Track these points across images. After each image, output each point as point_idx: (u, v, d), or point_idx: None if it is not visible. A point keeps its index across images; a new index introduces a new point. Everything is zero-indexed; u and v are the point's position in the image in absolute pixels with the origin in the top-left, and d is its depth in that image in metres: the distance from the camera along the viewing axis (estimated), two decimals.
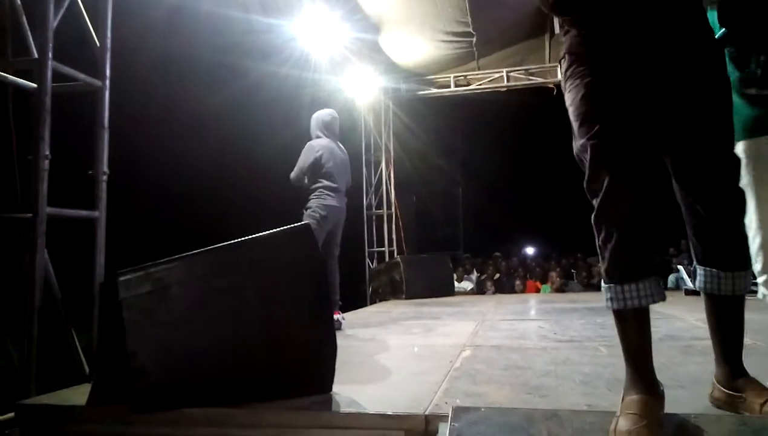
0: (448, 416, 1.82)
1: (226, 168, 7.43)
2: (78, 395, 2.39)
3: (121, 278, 2.11)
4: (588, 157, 1.63)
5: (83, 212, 2.85)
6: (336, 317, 4.09)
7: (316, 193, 4.26)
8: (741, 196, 1.70)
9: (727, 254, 1.70)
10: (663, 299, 1.65)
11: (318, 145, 4.35)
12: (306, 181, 4.32)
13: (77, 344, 2.80)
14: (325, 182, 4.28)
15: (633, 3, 1.63)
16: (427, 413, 1.93)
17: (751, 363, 1.82)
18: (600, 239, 1.64)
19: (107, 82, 2.98)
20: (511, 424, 1.73)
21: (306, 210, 4.27)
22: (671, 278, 8.60)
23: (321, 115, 4.50)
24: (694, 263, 1.80)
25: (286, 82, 7.41)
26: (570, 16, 1.73)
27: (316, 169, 4.27)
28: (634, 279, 1.61)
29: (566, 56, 1.76)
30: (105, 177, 2.92)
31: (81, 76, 2.87)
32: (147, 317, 2.13)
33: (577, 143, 1.70)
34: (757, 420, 1.63)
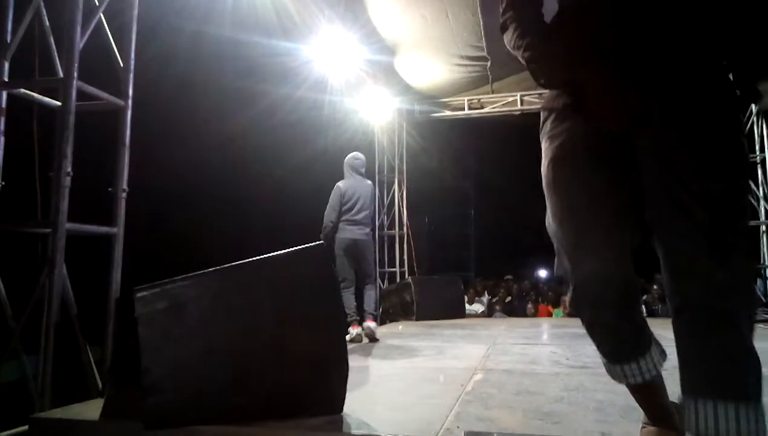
0: None
1: (244, 187, 7.53)
2: (91, 409, 2.41)
3: (138, 295, 2.14)
4: (555, 245, 1.41)
5: (102, 229, 2.90)
6: (370, 324, 4.75)
7: (338, 228, 4.82)
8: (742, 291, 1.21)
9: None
10: (665, 359, 1.49)
11: (342, 185, 4.95)
12: (334, 217, 4.84)
13: (91, 359, 2.82)
14: (345, 217, 4.82)
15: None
16: None
17: None
18: (584, 324, 1.41)
19: (130, 101, 3.05)
20: None
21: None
22: None
23: (347, 159, 5.13)
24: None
25: (302, 103, 7.52)
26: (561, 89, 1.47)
27: (340, 205, 4.85)
28: (633, 359, 1.40)
29: (542, 112, 1.55)
30: (124, 194, 2.98)
31: (104, 95, 2.95)
32: (162, 333, 2.15)
33: (547, 216, 1.44)
34: None
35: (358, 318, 4.78)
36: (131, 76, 3.06)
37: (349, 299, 4.77)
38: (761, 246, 8.06)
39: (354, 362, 2.28)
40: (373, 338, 4.76)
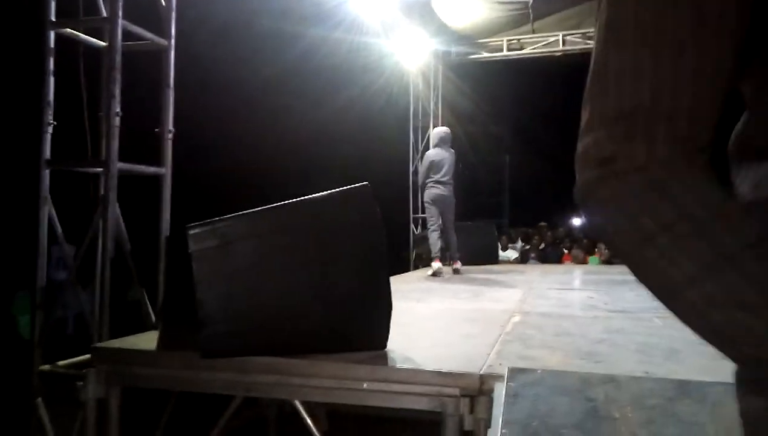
0: (503, 376, 1.85)
1: (284, 130, 7.56)
2: (144, 341, 2.55)
3: (191, 232, 2.21)
4: None
5: (151, 169, 2.97)
6: (456, 266, 6.19)
7: (427, 186, 6.09)
8: None
9: None
10: None
11: (432, 154, 6.18)
12: (422, 181, 6.23)
13: (144, 293, 2.96)
14: (435, 178, 6.04)
15: None
16: (482, 372, 1.96)
17: None
18: None
19: (172, 41, 3.05)
20: (567, 386, 1.75)
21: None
22: None
23: (439, 131, 6.46)
24: None
25: (337, 46, 7.39)
26: None
27: (430, 170, 6.08)
28: None
29: None
30: (170, 135, 3.03)
31: (149, 35, 2.95)
32: (213, 269, 2.23)
33: None
34: None
35: (439, 255, 5.97)
36: (173, 15, 3.05)
37: (434, 238, 5.98)
38: None
39: (395, 301, 2.33)
40: (457, 272, 6.15)
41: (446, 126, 9.88)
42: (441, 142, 6.20)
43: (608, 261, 8.47)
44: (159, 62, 3.08)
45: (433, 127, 9.51)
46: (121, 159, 2.81)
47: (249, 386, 2.22)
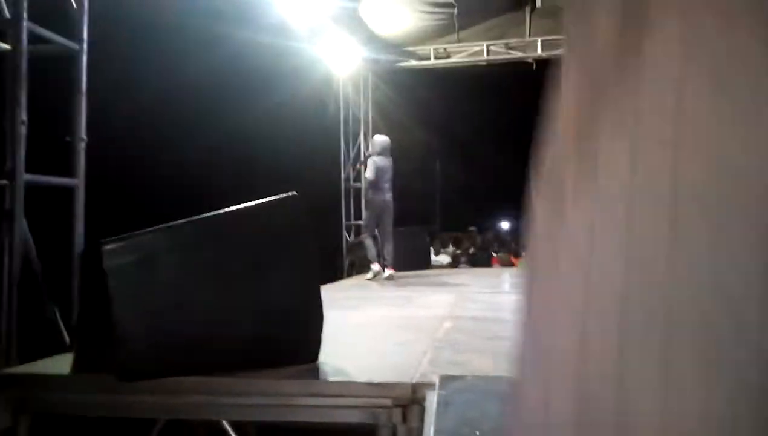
0: (434, 384, 1.86)
1: (208, 136, 7.32)
2: (59, 364, 2.37)
3: (106, 248, 2.08)
4: None
5: (62, 180, 2.78)
6: (390, 272, 6.15)
7: (370, 193, 6.31)
8: None
9: None
10: None
11: (377, 160, 6.28)
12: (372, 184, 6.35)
13: (57, 313, 2.76)
14: (377, 184, 6.20)
15: None
16: (414, 381, 1.97)
17: None
18: None
19: (85, 45, 2.87)
20: (497, 391, 1.78)
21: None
22: None
23: (382, 140, 6.54)
24: None
25: (265, 50, 7.27)
26: None
27: (377, 176, 6.20)
28: None
29: None
30: (83, 144, 2.85)
31: (57, 38, 2.77)
32: (133, 286, 2.11)
33: None
34: None
35: (376, 258, 6.22)
36: (86, 17, 2.87)
37: (370, 242, 6.24)
38: None
39: (328, 310, 2.29)
40: (391, 278, 6.13)
41: (377, 133, 10.00)
42: (383, 151, 6.40)
43: None
44: (71, 66, 2.90)
45: (369, 136, 9.56)
46: (29, 170, 2.62)
47: (173, 408, 2.11)
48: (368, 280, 6.07)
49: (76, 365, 2.28)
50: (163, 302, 2.14)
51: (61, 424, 2.53)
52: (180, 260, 2.18)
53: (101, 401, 2.16)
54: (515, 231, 12.40)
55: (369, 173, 6.26)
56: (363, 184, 6.72)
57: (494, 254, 9.56)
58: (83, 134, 2.87)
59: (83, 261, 2.73)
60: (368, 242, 6.27)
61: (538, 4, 7.20)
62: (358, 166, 7.39)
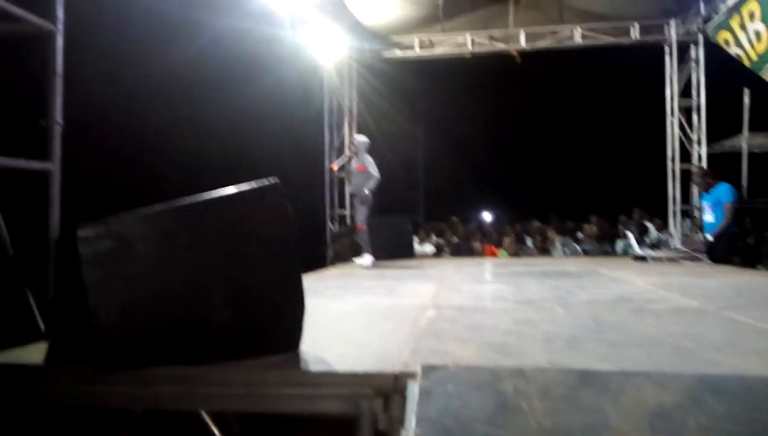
0: (416, 374, 1.85)
1: (189, 122, 7.19)
2: (33, 353, 2.31)
3: (81, 233, 2.03)
4: None
5: (36, 164, 2.70)
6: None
7: (366, 188, 6.64)
8: None
9: None
10: None
11: (371, 159, 6.78)
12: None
13: (32, 301, 2.69)
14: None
15: None
16: (396, 371, 1.95)
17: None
18: None
19: (60, 25, 2.78)
20: (478, 381, 1.78)
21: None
22: (619, 244, 8.93)
23: (365, 140, 6.93)
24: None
25: (247, 37, 7.15)
26: None
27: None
28: None
29: None
30: (59, 127, 2.77)
31: (31, 17, 2.67)
32: (109, 273, 2.06)
33: None
34: (713, 377, 1.73)
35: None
36: None
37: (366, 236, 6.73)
38: (691, 188, 8.52)
39: (309, 300, 2.27)
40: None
41: (361, 123, 9.98)
42: (366, 148, 6.88)
43: (515, 254, 8.85)
44: (45, 47, 2.80)
45: (354, 125, 9.53)
46: (1, 153, 2.53)
47: (151, 398, 2.07)
48: (366, 267, 6.55)
49: (50, 355, 2.22)
50: (141, 290, 2.09)
51: (36, 414, 2.47)
52: (158, 247, 2.14)
53: (75, 391, 2.11)
54: (498, 222, 12.45)
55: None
56: (356, 180, 6.83)
57: (475, 246, 9.58)
58: (59, 118, 2.79)
59: (59, 247, 2.66)
60: (366, 236, 6.77)
61: None
62: (342, 173, 7.67)
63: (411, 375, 1.89)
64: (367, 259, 6.69)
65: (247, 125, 8.06)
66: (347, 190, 7.95)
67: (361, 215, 6.75)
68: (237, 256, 2.22)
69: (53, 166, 2.76)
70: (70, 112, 2.86)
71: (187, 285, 2.15)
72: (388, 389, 1.92)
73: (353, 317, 3.16)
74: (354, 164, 6.83)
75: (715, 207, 6.36)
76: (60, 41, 2.79)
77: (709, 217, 6.48)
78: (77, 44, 2.95)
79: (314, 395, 1.97)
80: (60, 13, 2.78)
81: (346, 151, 7.03)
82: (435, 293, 4.06)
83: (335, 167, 6.95)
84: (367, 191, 6.62)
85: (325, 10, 7.78)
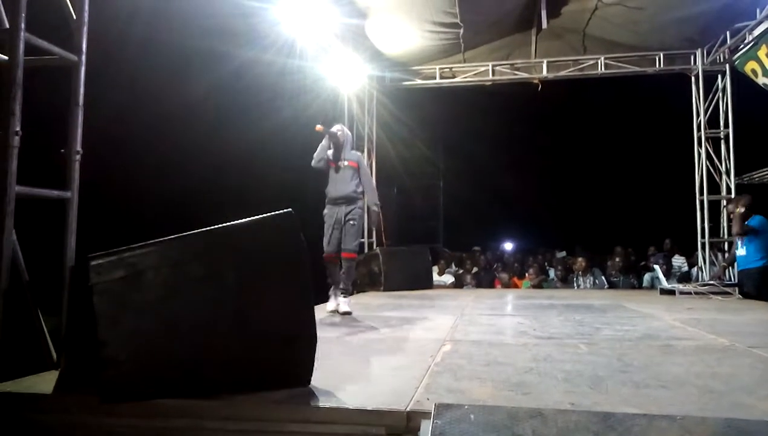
0: (430, 413, 1.78)
1: (209, 153, 7.28)
2: (44, 382, 2.30)
3: (93, 263, 2.02)
4: None
5: (54, 192, 2.73)
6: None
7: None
8: None
9: None
10: None
11: None
12: None
13: (45, 329, 2.69)
14: None
15: None
16: (408, 409, 1.88)
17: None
18: None
19: (83, 57, 2.84)
20: (495, 422, 1.69)
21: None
22: (647, 277, 8.70)
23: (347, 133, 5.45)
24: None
25: (271, 68, 7.28)
26: None
27: None
28: None
29: None
30: (78, 156, 2.80)
31: (56, 49, 2.74)
32: (119, 303, 2.04)
33: None
34: (741, 422, 1.62)
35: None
36: (85, 29, 2.84)
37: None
38: (721, 220, 8.28)
39: (321, 333, 2.22)
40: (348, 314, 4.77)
41: (382, 149, 9.96)
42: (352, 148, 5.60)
43: (537, 285, 8.68)
44: (69, 78, 2.86)
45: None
46: (25, 183, 2.56)
47: (157, 431, 2.02)
48: (345, 313, 4.72)
49: (60, 384, 2.20)
50: (150, 321, 2.07)
51: None
52: (168, 278, 2.12)
53: (83, 422, 2.08)
54: (519, 252, 12.28)
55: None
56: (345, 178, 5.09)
57: (497, 276, 9.44)
58: (78, 147, 2.83)
59: (73, 276, 2.66)
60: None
61: (545, 25, 7.19)
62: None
63: (424, 414, 1.82)
64: (345, 301, 4.81)
65: (267, 153, 8.14)
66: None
67: (353, 240, 4.93)
68: (249, 286, 2.18)
69: (72, 195, 2.79)
70: (89, 141, 2.90)
71: (197, 316, 2.13)
72: (401, 428, 1.85)
73: (366, 350, 3.09)
74: (345, 161, 5.12)
75: (748, 240, 6.16)
76: (82, 72, 2.84)
77: (741, 250, 6.27)
78: (100, 75, 3.01)
79: (324, 432, 1.91)
80: (83, 45, 2.84)
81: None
82: (452, 325, 3.96)
83: (320, 128, 5.01)
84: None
85: (347, 40, 7.89)
